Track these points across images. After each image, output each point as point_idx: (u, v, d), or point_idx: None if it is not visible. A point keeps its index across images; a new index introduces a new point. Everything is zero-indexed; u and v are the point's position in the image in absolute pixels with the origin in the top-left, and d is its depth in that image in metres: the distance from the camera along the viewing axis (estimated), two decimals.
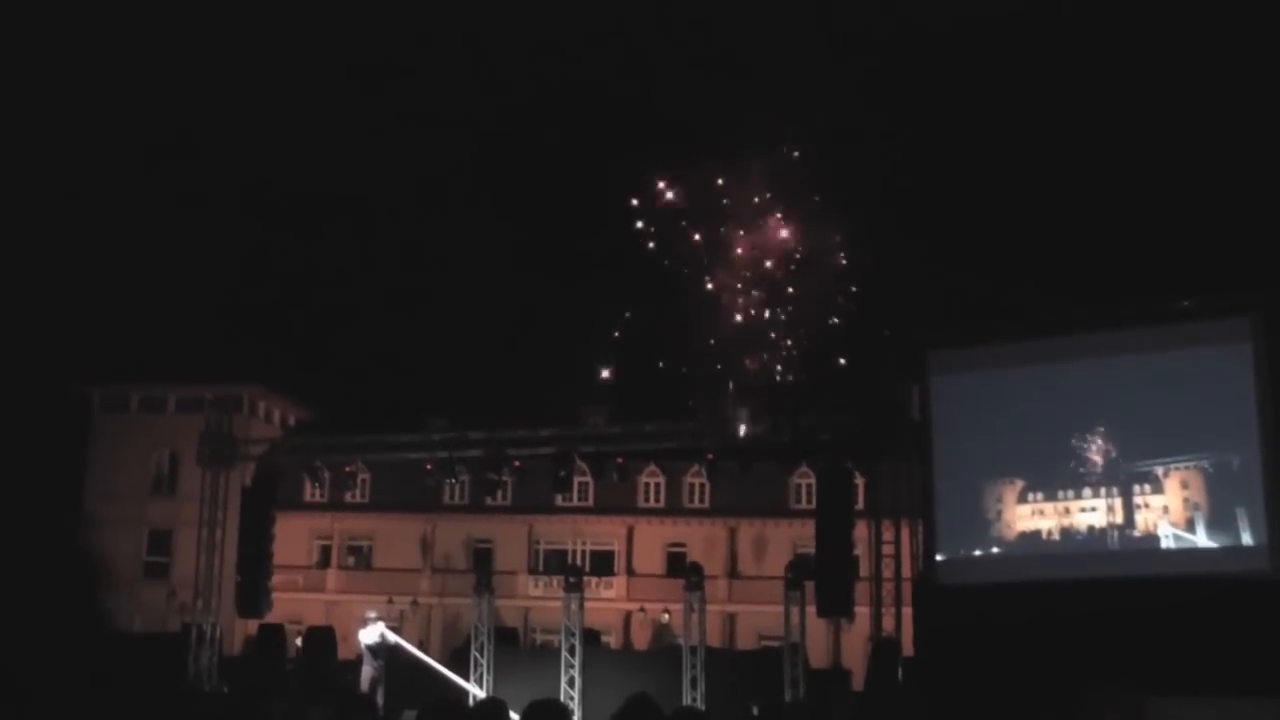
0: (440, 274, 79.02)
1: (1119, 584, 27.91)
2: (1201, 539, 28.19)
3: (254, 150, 77.64)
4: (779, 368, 48.00)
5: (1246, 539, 27.55)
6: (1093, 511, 29.36)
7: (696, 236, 48.51)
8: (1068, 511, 29.66)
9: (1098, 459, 29.37)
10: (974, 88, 65.83)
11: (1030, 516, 30.12)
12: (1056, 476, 29.80)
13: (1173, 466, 28.58)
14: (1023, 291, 50.31)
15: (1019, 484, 30.25)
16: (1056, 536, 29.78)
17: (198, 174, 74.45)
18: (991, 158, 63.79)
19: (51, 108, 70.89)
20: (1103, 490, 29.32)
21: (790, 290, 48.22)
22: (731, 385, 49.11)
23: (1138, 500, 28.91)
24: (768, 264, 48.26)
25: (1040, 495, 30.06)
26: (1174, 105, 62.35)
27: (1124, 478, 29.10)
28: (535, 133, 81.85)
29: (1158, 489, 28.76)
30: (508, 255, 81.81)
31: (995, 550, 30.43)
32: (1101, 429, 29.37)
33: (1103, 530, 29.26)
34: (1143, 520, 28.88)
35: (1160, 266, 49.34)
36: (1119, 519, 29.03)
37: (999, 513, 30.34)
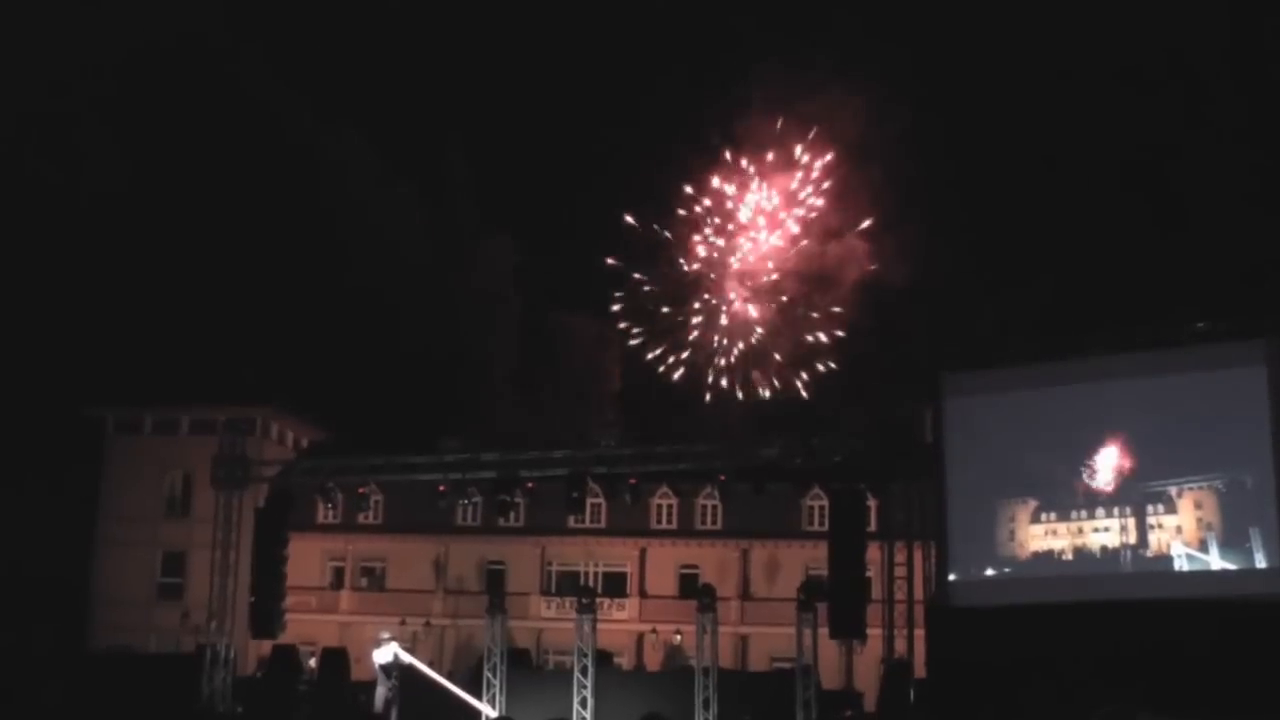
0: (453, 295, 78.88)
1: (1132, 606, 27.94)
2: (1215, 560, 28.17)
3: (264, 170, 77.65)
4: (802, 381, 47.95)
5: (1260, 560, 27.59)
6: (1106, 531, 29.44)
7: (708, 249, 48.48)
8: (1081, 531, 29.73)
9: (1111, 479, 29.44)
10: (992, 104, 65.83)
11: (1043, 536, 30.19)
12: (1070, 497, 29.88)
13: (1186, 486, 28.60)
14: (1037, 314, 50.30)
15: (1032, 504, 30.33)
16: (1069, 556, 29.86)
17: (209, 193, 74.43)
18: (1008, 181, 63.74)
19: (56, 114, 70.95)
20: (1116, 510, 29.40)
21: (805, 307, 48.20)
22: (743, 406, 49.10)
23: (1151, 520, 28.96)
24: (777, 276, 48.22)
25: (1053, 515, 30.13)
26: (1193, 127, 62.33)
27: (1137, 498, 29.14)
28: (544, 141, 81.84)
29: (1171, 509, 28.80)
30: (519, 274, 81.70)
31: (1008, 570, 30.48)
32: (1115, 450, 29.43)
33: (1115, 550, 29.29)
34: (1156, 540, 28.94)
35: (1175, 289, 49.29)
36: (1132, 539, 29.07)
37: (1012, 532, 30.42)
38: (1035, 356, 31.02)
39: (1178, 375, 29.10)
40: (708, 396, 48.40)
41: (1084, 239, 61.22)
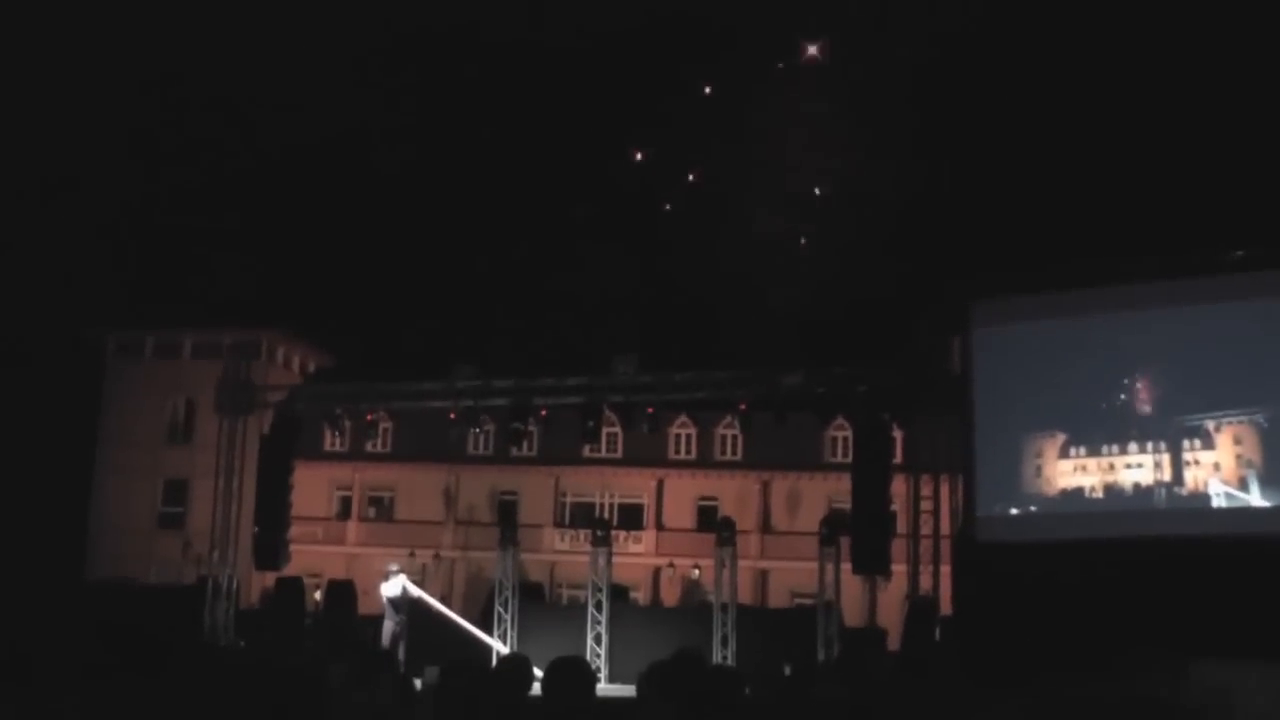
0: (466, 216, 78.79)
1: (1164, 543, 27.43)
2: (1255, 498, 27.58)
3: (267, 88, 77.39)
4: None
5: None
6: (1139, 468, 28.76)
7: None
8: (1112, 468, 29.09)
9: (1145, 413, 28.82)
10: (1024, 23, 65.41)
11: (1072, 473, 29.54)
12: (1101, 430, 29.24)
13: (1225, 421, 27.84)
14: (1070, 240, 50.10)
15: (1060, 438, 29.69)
16: (1100, 494, 29.21)
17: (211, 110, 74.34)
18: (1042, 100, 63.39)
19: (52, 35, 70.70)
20: (1150, 445, 28.63)
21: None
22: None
23: (1187, 456, 28.19)
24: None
25: (1083, 450, 29.44)
26: (1236, 47, 61.91)
27: (1173, 432, 28.37)
28: (551, 58, 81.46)
29: (1209, 444, 27.99)
30: (534, 194, 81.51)
31: (1034, 509, 29.97)
32: (1150, 382, 28.80)
33: (1149, 488, 28.59)
34: (1192, 477, 28.20)
35: (1213, 215, 49.03)
36: (1166, 476, 28.38)
37: (1039, 468, 29.87)
38: (1068, 284, 30.55)
39: (1217, 304, 28.35)
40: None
41: (1120, 162, 60.95)
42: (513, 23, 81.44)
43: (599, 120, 76.67)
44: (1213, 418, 28.08)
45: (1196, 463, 28.23)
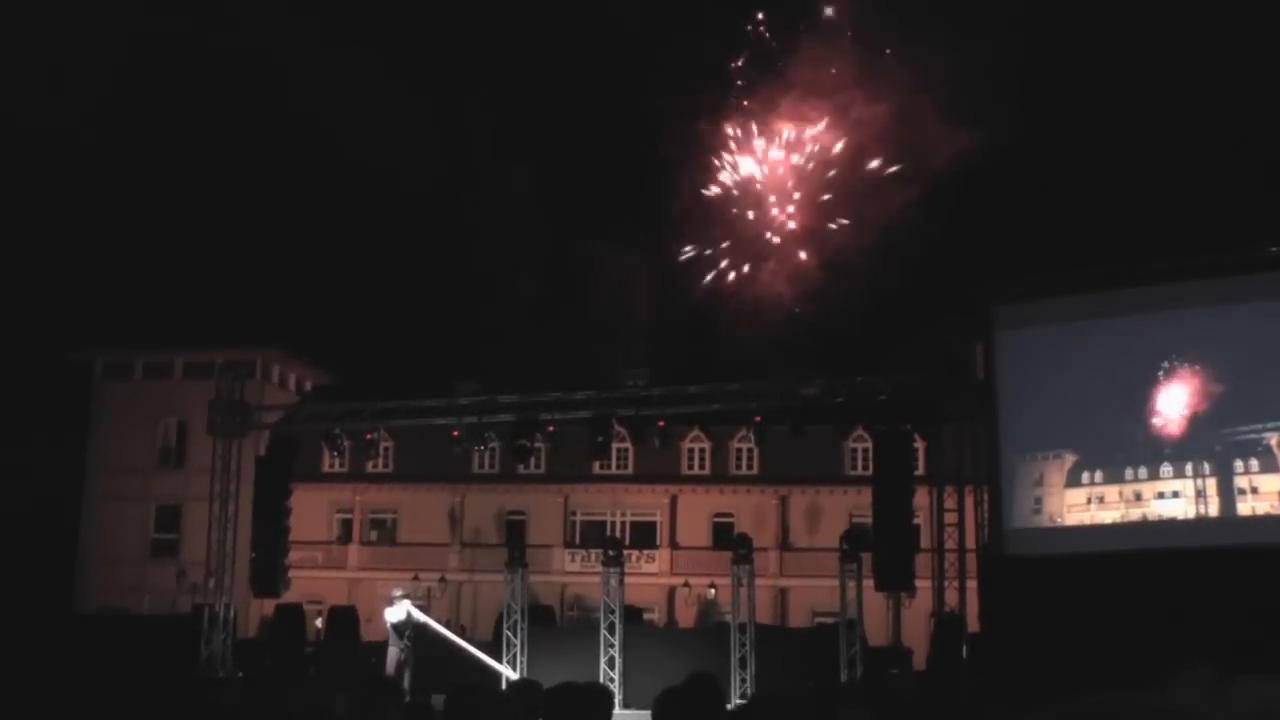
0: (468, 227, 78.86)
1: (1206, 554, 25.26)
2: None
3: (269, 96, 77.57)
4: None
5: None
6: (1174, 498, 25.91)
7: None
8: (1139, 497, 26.40)
9: (1181, 424, 25.95)
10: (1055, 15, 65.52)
11: (1085, 505, 27.08)
12: (1124, 449, 26.63)
13: None
14: (1098, 240, 50.01)
15: (1069, 459, 27.30)
16: (1123, 534, 26.40)
17: (208, 117, 74.44)
18: (1064, 91, 63.36)
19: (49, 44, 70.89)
20: (1189, 467, 25.67)
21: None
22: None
23: (1240, 481, 25.21)
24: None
25: (1099, 475, 26.74)
26: (1265, 41, 61.94)
27: (1219, 450, 25.38)
28: (566, 72, 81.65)
29: (1270, 465, 24.79)
30: (539, 203, 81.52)
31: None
32: (1188, 387, 26.07)
33: (1189, 524, 25.57)
34: (1249, 509, 25.21)
35: (1245, 211, 48.92)
36: (1212, 508, 25.46)
37: (1039, 500, 27.70)
38: (1098, 286, 29.27)
39: (1263, 302, 25.87)
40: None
41: (1149, 157, 60.92)
42: (512, 28, 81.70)
43: (601, 118, 76.74)
44: (1275, 429, 24.91)
45: (1254, 490, 25.19)
